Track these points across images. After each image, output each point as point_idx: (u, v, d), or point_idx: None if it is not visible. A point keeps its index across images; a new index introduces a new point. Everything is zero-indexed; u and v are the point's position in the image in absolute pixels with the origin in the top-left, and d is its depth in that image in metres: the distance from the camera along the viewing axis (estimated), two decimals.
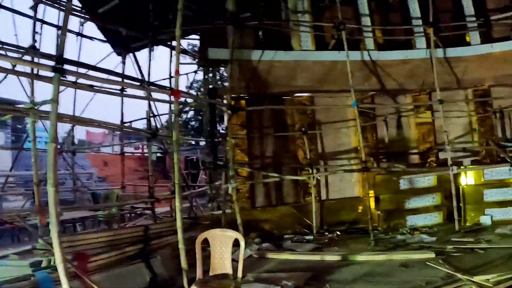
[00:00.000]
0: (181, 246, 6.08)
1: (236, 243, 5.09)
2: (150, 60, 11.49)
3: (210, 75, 12.86)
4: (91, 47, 13.42)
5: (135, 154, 24.72)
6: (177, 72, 6.78)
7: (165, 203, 12.85)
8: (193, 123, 30.45)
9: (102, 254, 6.61)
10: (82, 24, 11.31)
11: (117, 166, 15.07)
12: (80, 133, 32.23)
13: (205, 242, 5.21)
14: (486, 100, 11.74)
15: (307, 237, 9.80)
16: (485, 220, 9.83)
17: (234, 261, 5.03)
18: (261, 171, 10.70)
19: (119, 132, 23.70)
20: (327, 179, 11.38)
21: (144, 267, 6.95)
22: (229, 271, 5.02)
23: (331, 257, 7.81)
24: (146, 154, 16.28)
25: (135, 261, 6.92)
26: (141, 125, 17.51)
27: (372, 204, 10.19)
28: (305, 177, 10.62)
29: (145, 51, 11.89)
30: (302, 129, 10.87)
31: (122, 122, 12.81)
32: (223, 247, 5.12)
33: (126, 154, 16.58)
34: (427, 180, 10.26)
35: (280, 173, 10.65)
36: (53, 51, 8.19)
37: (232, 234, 5.16)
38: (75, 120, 8.49)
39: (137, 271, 6.84)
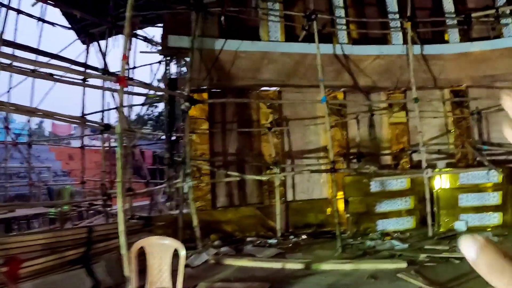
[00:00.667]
0: (123, 251, 5.50)
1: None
2: (106, 46, 11.00)
3: (172, 64, 12.30)
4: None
5: (96, 147, 23.83)
6: (124, 57, 6.10)
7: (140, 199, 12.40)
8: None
9: (39, 259, 5.91)
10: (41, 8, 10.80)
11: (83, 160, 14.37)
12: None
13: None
14: (463, 100, 11.16)
15: (270, 241, 9.19)
16: (460, 226, 9.34)
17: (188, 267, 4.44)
18: (223, 169, 10.04)
19: None
20: (294, 179, 10.73)
21: (85, 273, 6.28)
22: (168, 285, 4.41)
23: (293, 265, 7.17)
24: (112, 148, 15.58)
25: (75, 266, 6.27)
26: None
27: (341, 206, 9.62)
28: (269, 177, 9.99)
29: (110, 40, 11.44)
30: (268, 125, 10.18)
31: (83, 113, 11.98)
32: (162, 258, 4.50)
33: (88, 147, 15.89)
34: (400, 182, 9.73)
35: (243, 171, 10.05)
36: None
37: (170, 243, 4.52)
38: (29, 111, 7.84)
39: (76, 277, 6.15)
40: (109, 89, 9.07)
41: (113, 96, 11.22)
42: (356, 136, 11.10)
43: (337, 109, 10.54)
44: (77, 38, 12.42)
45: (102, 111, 11.39)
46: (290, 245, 8.96)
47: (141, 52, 20.47)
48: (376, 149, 11.02)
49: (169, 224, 8.82)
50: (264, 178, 9.99)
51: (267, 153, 10.48)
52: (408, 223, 9.77)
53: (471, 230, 9.15)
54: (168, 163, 9.67)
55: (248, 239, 9.34)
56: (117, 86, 6.53)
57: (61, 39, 12.97)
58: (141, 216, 9.82)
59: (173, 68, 16.52)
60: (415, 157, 10.75)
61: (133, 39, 12.16)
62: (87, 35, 12.01)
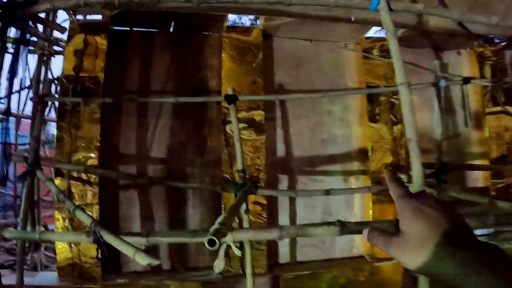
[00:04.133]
0: None
1: None
2: None
3: None
4: None
5: None
6: None
7: None
8: None
9: None
10: None
11: None
12: None
13: None
14: None
15: None
16: None
17: None
18: (136, 192, 4.84)
19: None
20: (293, 217, 5.28)
21: None
22: None
23: None
24: None
25: None
26: None
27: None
28: (222, 220, 4.09)
29: None
30: (226, 98, 4.15)
31: None
32: None
33: None
34: None
35: (182, 200, 4.93)
36: None
37: None
38: None
39: None
40: None
41: None
42: (428, 129, 5.04)
43: (384, 74, 5.45)
44: None
45: None
46: None
47: None
48: (462, 157, 5.90)
49: None
50: (198, 240, 3.68)
51: (237, 161, 5.04)
52: None
53: None
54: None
55: None
56: None
57: None
58: None
59: None
60: None
61: None
62: None
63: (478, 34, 5.65)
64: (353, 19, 4.77)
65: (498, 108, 5.83)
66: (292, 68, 5.39)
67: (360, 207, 5.38)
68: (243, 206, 4.10)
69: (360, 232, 1.83)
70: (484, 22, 3.41)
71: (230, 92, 4.05)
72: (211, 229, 1.87)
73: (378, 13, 2.48)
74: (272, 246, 5.06)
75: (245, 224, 4.22)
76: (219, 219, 2.03)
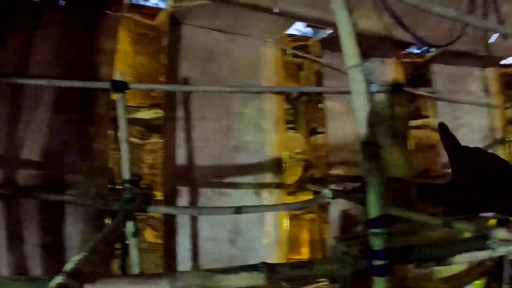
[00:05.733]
0: None
1: None
2: None
3: None
4: None
5: None
6: None
7: None
8: None
9: None
10: None
11: None
12: None
13: None
14: None
15: None
16: None
17: None
18: None
19: None
20: (194, 239, 4.59)
21: None
22: None
23: None
24: None
25: None
26: None
27: None
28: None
29: None
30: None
31: None
32: None
33: None
34: None
35: (58, 213, 3.98)
36: None
37: None
38: None
39: None
40: None
41: None
42: (352, 140, 5.19)
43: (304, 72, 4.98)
44: None
45: None
46: None
47: None
48: (387, 169, 5.68)
49: None
50: None
51: (130, 169, 4.36)
52: None
53: None
54: None
55: None
56: None
57: None
58: None
59: None
60: None
61: None
62: None
63: (406, 43, 5.46)
64: (277, 11, 4.29)
65: (423, 121, 5.70)
66: (201, 61, 4.76)
67: (274, 225, 4.85)
68: (131, 228, 3.37)
69: (298, 279, 1.58)
70: (440, 14, 3.13)
71: (119, 77, 3.33)
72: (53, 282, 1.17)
73: (305, 7, 2.17)
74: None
75: (134, 252, 3.47)
76: (72, 261, 1.34)
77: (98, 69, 4.30)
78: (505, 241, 2.99)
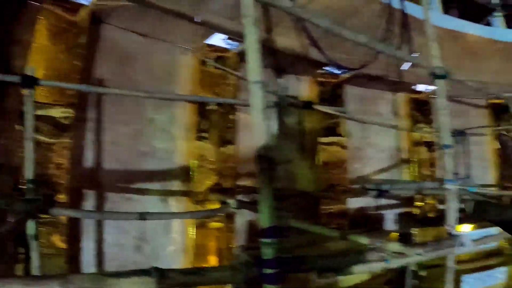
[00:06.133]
0: None
1: None
2: None
3: None
4: None
5: None
6: None
7: None
8: None
9: None
10: None
11: None
12: None
13: None
14: None
15: None
16: None
17: None
18: None
19: None
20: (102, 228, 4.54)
21: None
22: None
23: None
24: None
25: None
26: None
27: None
28: None
29: None
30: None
31: None
32: None
33: None
34: None
35: None
36: None
37: None
38: None
39: None
40: None
41: None
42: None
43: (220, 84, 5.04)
44: None
45: None
46: None
47: None
48: (294, 183, 5.81)
49: None
50: None
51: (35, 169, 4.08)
52: None
53: None
54: None
55: None
56: None
57: None
58: None
59: None
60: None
61: None
62: None
63: (322, 63, 5.66)
64: (199, 20, 4.35)
65: (333, 139, 5.93)
66: (119, 63, 4.71)
67: (180, 233, 4.85)
68: (31, 230, 3.26)
69: (190, 285, 1.57)
70: (351, 39, 3.28)
71: (30, 72, 3.24)
72: None
73: (225, 19, 2.23)
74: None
75: (34, 255, 3.35)
76: None
77: (11, 61, 4.12)
78: (398, 254, 3.21)
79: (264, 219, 2.13)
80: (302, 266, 2.80)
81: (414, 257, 3.37)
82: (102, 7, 4.38)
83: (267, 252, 2.11)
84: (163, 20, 4.50)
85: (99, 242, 4.45)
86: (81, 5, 4.42)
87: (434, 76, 4.14)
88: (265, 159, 2.19)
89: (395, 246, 3.11)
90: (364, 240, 3.20)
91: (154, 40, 4.93)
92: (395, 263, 3.34)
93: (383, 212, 6.68)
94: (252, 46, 2.14)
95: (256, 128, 2.19)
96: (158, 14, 4.33)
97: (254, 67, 2.12)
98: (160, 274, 1.62)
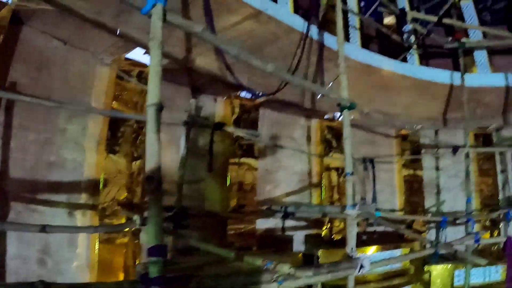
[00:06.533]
0: None
1: None
2: None
3: None
4: None
5: None
6: None
7: None
8: None
9: None
10: None
11: None
12: None
13: None
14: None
15: None
16: None
17: None
18: None
19: None
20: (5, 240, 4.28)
21: None
22: None
23: None
24: None
25: None
26: None
27: None
28: None
29: None
30: None
31: None
32: None
33: None
34: None
35: None
36: None
37: None
38: None
39: None
40: None
41: None
42: (171, 170, 5.08)
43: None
44: None
45: None
46: None
47: None
48: (202, 203, 5.82)
49: None
50: None
51: None
52: None
53: None
54: None
55: None
56: None
57: None
58: None
59: None
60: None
61: None
62: None
63: (239, 86, 5.80)
64: (118, 33, 4.36)
65: (245, 160, 6.08)
66: (35, 68, 4.58)
67: (86, 248, 4.75)
68: None
69: None
70: (259, 67, 3.41)
71: None
72: None
73: (146, 34, 2.31)
74: None
75: None
76: None
77: None
78: (289, 276, 3.34)
79: (150, 237, 2.19)
80: (189, 285, 2.86)
81: (304, 279, 3.48)
82: (23, 8, 4.26)
83: (153, 270, 2.15)
84: (84, 28, 4.44)
85: (1, 254, 4.27)
86: (2, 3, 4.27)
87: (340, 107, 4.34)
88: (154, 180, 2.23)
89: (286, 269, 3.22)
90: (258, 261, 3.26)
91: (74, 48, 4.86)
92: (287, 285, 3.47)
93: (291, 233, 6.81)
94: (154, 68, 2.20)
95: (149, 149, 2.21)
96: (80, 22, 4.27)
97: (153, 88, 2.18)
98: (45, 287, 1.65)
